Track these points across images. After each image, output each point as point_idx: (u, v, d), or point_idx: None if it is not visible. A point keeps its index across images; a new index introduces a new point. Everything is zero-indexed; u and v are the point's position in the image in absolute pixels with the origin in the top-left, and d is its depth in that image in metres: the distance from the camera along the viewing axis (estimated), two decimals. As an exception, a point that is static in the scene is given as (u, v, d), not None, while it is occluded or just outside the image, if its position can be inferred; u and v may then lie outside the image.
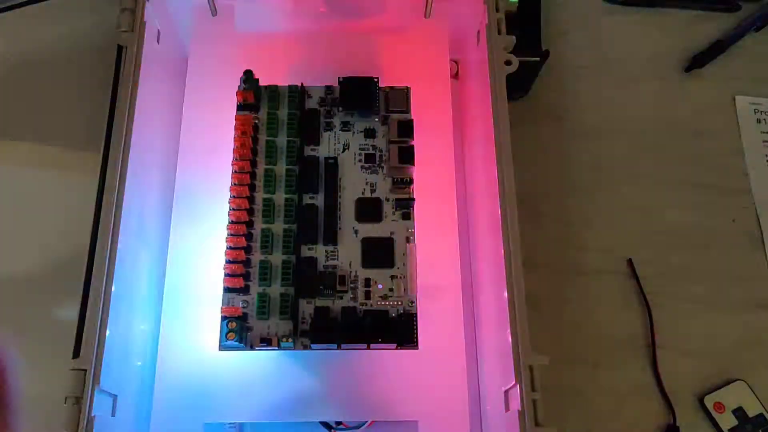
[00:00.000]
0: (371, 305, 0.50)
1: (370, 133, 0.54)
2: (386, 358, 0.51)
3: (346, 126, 0.55)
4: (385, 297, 0.50)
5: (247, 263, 0.50)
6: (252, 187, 0.52)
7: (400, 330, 0.49)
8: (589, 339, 0.60)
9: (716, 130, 0.69)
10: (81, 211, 0.55)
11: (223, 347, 0.48)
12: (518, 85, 0.66)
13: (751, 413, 0.57)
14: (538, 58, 0.63)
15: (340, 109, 0.55)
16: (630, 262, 0.62)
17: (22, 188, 0.63)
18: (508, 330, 0.46)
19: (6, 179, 0.63)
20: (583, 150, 0.67)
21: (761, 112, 0.69)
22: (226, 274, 0.49)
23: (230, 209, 0.51)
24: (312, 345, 0.48)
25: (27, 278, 0.60)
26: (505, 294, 0.47)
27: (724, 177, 0.67)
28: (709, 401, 0.57)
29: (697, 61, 0.71)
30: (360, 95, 0.54)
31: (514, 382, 0.45)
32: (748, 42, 0.72)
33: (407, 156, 0.53)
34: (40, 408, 0.55)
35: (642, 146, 0.67)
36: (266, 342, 0.48)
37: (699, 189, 0.66)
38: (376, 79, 0.55)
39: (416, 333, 0.49)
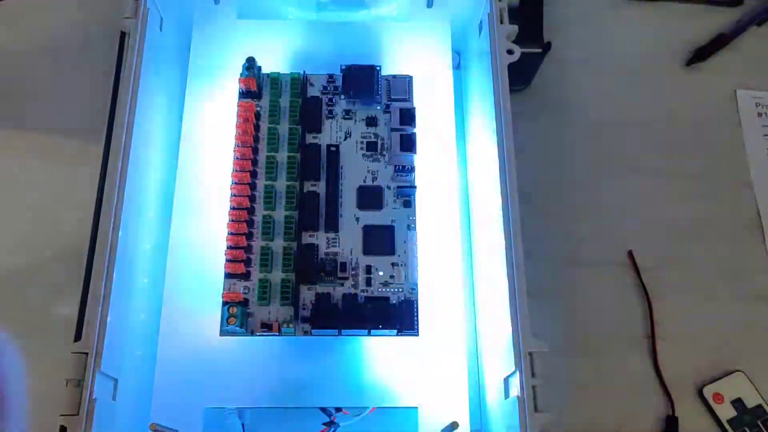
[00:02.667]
0: (372, 292, 0.50)
1: (371, 121, 0.54)
2: (387, 344, 0.51)
3: (347, 114, 0.55)
4: (386, 284, 0.50)
5: (248, 249, 0.50)
6: (253, 174, 0.52)
7: (401, 317, 0.49)
8: (589, 330, 0.60)
9: (717, 123, 0.69)
10: (84, 198, 0.55)
11: (223, 332, 0.48)
12: (520, 77, 0.66)
13: (749, 404, 0.57)
14: (540, 50, 0.63)
15: (342, 97, 0.55)
16: (630, 253, 0.63)
17: (24, 177, 0.63)
18: (509, 317, 0.46)
19: (7, 168, 0.63)
20: (584, 142, 0.67)
21: (763, 105, 0.70)
22: (227, 260, 0.49)
23: (232, 196, 0.51)
24: (313, 331, 0.48)
25: (30, 266, 0.60)
26: (506, 281, 0.47)
27: (724, 170, 0.67)
28: (708, 392, 0.58)
29: (699, 54, 0.71)
30: (362, 83, 0.54)
31: (514, 369, 0.45)
32: (749, 36, 0.72)
33: (409, 144, 0.53)
34: (39, 402, 0.55)
35: (643, 139, 0.68)
36: (267, 328, 0.48)
37: (699, 182, 0.66)
38: (378, 68, 0.55)
39: (417, 320, 0.49)
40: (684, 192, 0.66)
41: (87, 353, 0.44)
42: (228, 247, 0.49)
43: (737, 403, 0.57)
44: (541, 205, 0.63)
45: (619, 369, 0.59)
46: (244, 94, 0.54)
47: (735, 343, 0.60)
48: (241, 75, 0.54)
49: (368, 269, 0.50)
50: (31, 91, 0.66)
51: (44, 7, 0.69)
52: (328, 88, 0.55)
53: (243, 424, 0.52)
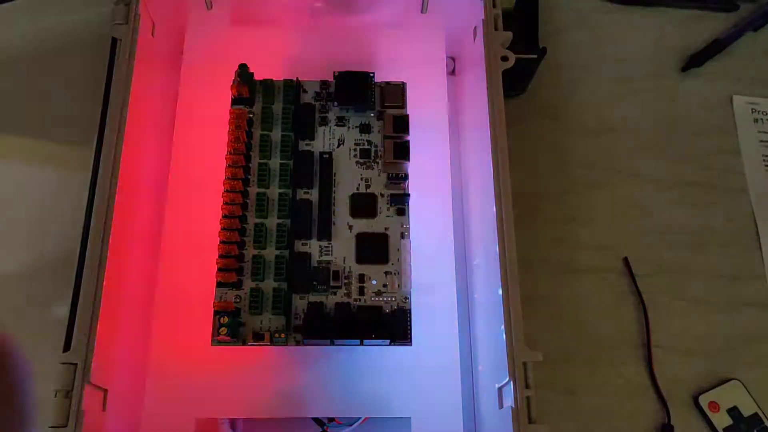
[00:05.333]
0: (365, 301, 0.49)
1: (365, 128, 0.54)
2: (379, 354, 0.51)
3: (341, 121, 0.54)
4: (378, 293, 0.50)
5: (240, 258, 0.50)
6: (246, 182, 0.51)
7: (394, 326, 0.48)
8: (584, 337, 0.60)
9: (713, 129, 0.69)
10: (74, 205, 0.55)
11: (215, 342, 0.48)
12: (515, 83, 0.66)
13: (745, 413, 0.57)
14: (535, 56, 0.63)
15: (336, 103, 0.54)
16: (626, 260, 0.62)
17: (14, 183, 0.62)
18: (502, 326, 0.45)
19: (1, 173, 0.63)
20: (579, 148, 0.67)
21: (758, 111, 0.69)
22: (218, 269, 0.49)
23: (223, 203, 0.50)
24: (305, 340, 0.48)
25: (20, 274, 0.59)
26: (500, 290, 0.46)
27: (720, 176, 0.67)
28: (703, 400, 0.57)
29: (695, 60, 0.70)
30: (355, 90, 0.54)
31: (507, 379, 0.45)
32: (745, 42, 0.72)
33: (402, 151, 0.52)
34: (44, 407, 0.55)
35: (639, 145, 0.67)
36: (259, 337, 0.48)
37: (695, 188, 0.66)
38: (371, 74, 0.55)
39: (410, 329, 0.49)
40: (679, 198, 0.65)
41: (76, 364, 0.43)
42: (219, 256, 0.49)
43: (733, 411, 0.57)
44: (536, 211, 0.63)
45: (614, 377, 0.59)
46: (237, 101, 0.54)
47: (731, 351, 0.60)
48: (233, 82, 0.53)
49: (361, 278, 0.50)
50: (21, 97, 0.65)
51: (37, 11, 0.68)
52: (322, 95, 0.55)
53: (235, 435, 0.51)
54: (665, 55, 0.71)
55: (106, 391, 0.46)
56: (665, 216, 0.65)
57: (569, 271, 0.62)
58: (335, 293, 0.50)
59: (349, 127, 0.54)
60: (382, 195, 0.52)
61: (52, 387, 0.43)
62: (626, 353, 0.59)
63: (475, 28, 0.56)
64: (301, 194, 0.52)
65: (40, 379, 0.55)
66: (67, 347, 0.44)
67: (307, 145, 0.53)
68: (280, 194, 0.51)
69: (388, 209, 0.52)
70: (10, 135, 0.64)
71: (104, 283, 0.45)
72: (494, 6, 0.54)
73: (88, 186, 0.50)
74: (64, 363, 0.43)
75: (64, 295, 0.52)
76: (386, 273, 0.50)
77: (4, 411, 0.54)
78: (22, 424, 0.54)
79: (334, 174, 0.53)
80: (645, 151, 0.67)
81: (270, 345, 0.48)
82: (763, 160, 0.67)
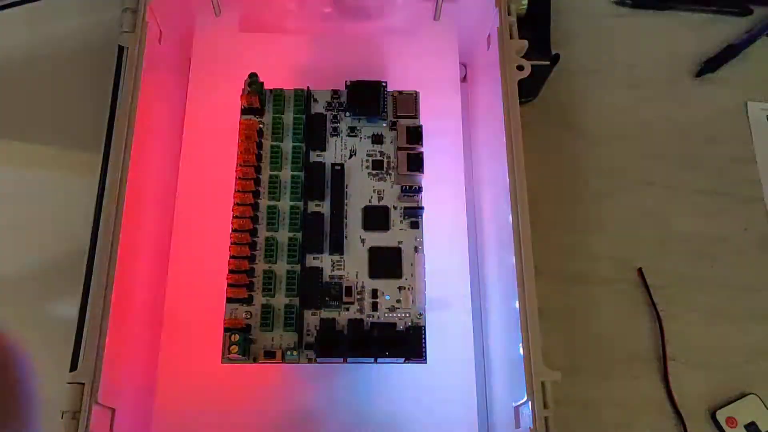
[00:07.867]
0: (378, 317, 0.48)
1: (377, 139, 0.53)
2: (394, 372, 0.50)
3: (353, 131, 0.53)
4: (392, 309, 0.49)
5: (250, 273, 0.48)
6: (256, 194, 0.50)
7: (408, 343, 0.47)
8: (598, 350, 0.58)
9: (728, 136, 0.68)
10: (82, 213, 0.54)
11: (225, 360, 0.47)
12: (527, 90, 0.65)
13: (764, 428, 0.56)
14: (548, 62, 0.62)
15: (347, 113, 0.53)
16: (640, 271, 0.61)
17: (22, 189, 0.61)
18: (520, 344, 0.44)
19: (6, 180, 0.61)
20: (592, 155, 0.66)
21: (773, 118, 0.68)
22: (228, 284, 0.48)
23: (233, 216, 0.49)
24: (318, 358, 0.47)
25: (26, 279, 0.58)
26: (517, 306, 0.45)
27: (735, 184, 0.65)
28: (721, 416, 0.56)
29: (709, 65, 0.69)
30: (368, 100, 0.53)
31: (525, 398, 0.44)
32: (760, 47, 0.71)
33: (416, 163, 0.51)
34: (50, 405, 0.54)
35: (652, 152, 0.66)
36: (270, 355, 0.47)
37: (710, 196, 0.65)
38: (384, 83, 0.53)
39: (425, 346, 0.48)
40: (693, 207, 0.64)
41: (83, 383, 0.42)
42: (230, 271, 0.48)
43: (751, 427, 0.56)
44: (549, 220, 0.62)
45: (630, 391, 0.57)
46: (246, 111, 0.53)
47: (749, 365, 0.58)
48: (243, 91, 0.52)
49: (374, 293, 0.49)
50: (29, 103, 0.64)
51: (45, 15, 0.67)
52: (333, 105, 0.54)
53: (245, 453, 0.50)
54: (678, 60, 0.70)
55: (114, 410, 0.45)
56: (679, 225, 0.63)
57: (582, 282, 0.61)
58: (348, 309, 0.48)
59: (361, 138, 0.53)
60: (395, 208, 0.51)
61: (54, 386, 0.43)
62: (641, 367, 0.58)
63: (489, 35, 0.55)
64: (312, 207, 0.51)
65: (42, 381, 0.54)
66: (73, 366, 0.43)
67: (318, 156, 0.52)
68: (291, 207, 0.50)
69: (401, 222, 0.51)
70: (18, 140, 0.63)
71: (112, 299, 0.44)
72: (509, 13, 0.53)
73: (95, 196, 0.49)
74: (71, 383, 0.42)
75: (67, 299, 0.51)
76: (400, 288, 0.49)
77: (8, 409, 0.53)
78: (25, 423, 0.53)
79: (346, 186, 0.51)
80: (658, 158, 0.66)
81: (282, 363, 0.47)
82: (779, 168, 0.66)
